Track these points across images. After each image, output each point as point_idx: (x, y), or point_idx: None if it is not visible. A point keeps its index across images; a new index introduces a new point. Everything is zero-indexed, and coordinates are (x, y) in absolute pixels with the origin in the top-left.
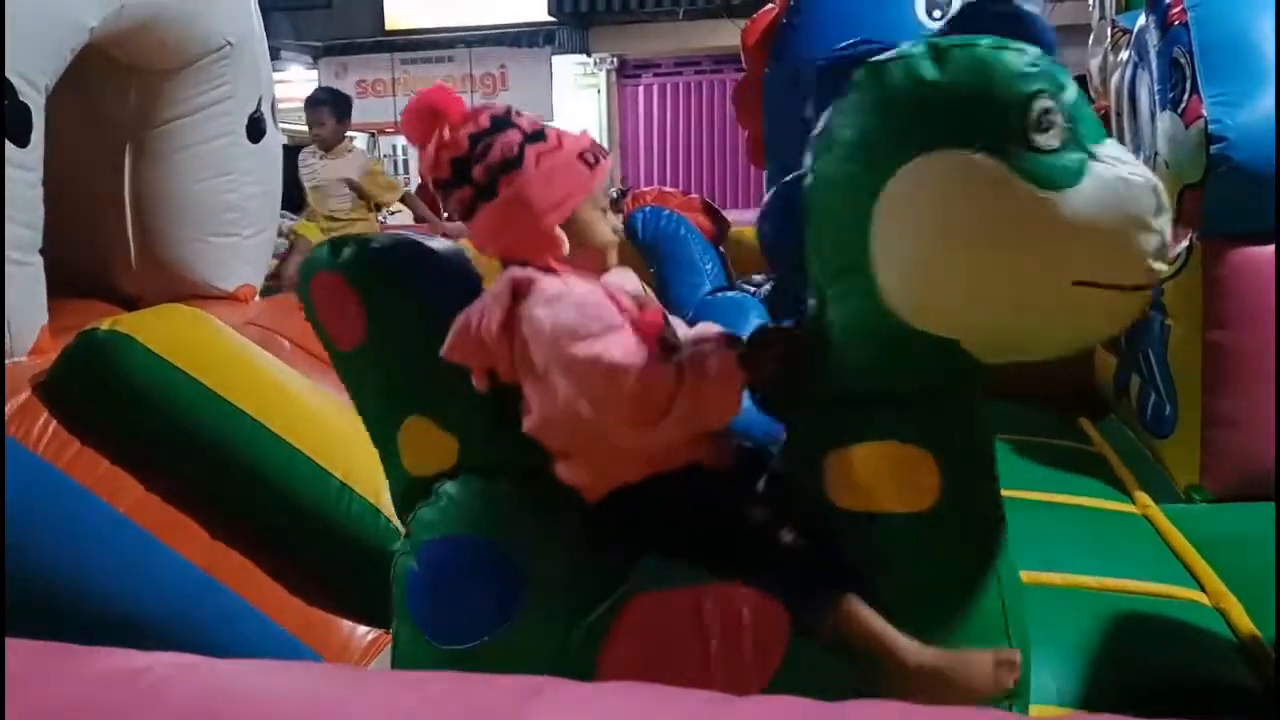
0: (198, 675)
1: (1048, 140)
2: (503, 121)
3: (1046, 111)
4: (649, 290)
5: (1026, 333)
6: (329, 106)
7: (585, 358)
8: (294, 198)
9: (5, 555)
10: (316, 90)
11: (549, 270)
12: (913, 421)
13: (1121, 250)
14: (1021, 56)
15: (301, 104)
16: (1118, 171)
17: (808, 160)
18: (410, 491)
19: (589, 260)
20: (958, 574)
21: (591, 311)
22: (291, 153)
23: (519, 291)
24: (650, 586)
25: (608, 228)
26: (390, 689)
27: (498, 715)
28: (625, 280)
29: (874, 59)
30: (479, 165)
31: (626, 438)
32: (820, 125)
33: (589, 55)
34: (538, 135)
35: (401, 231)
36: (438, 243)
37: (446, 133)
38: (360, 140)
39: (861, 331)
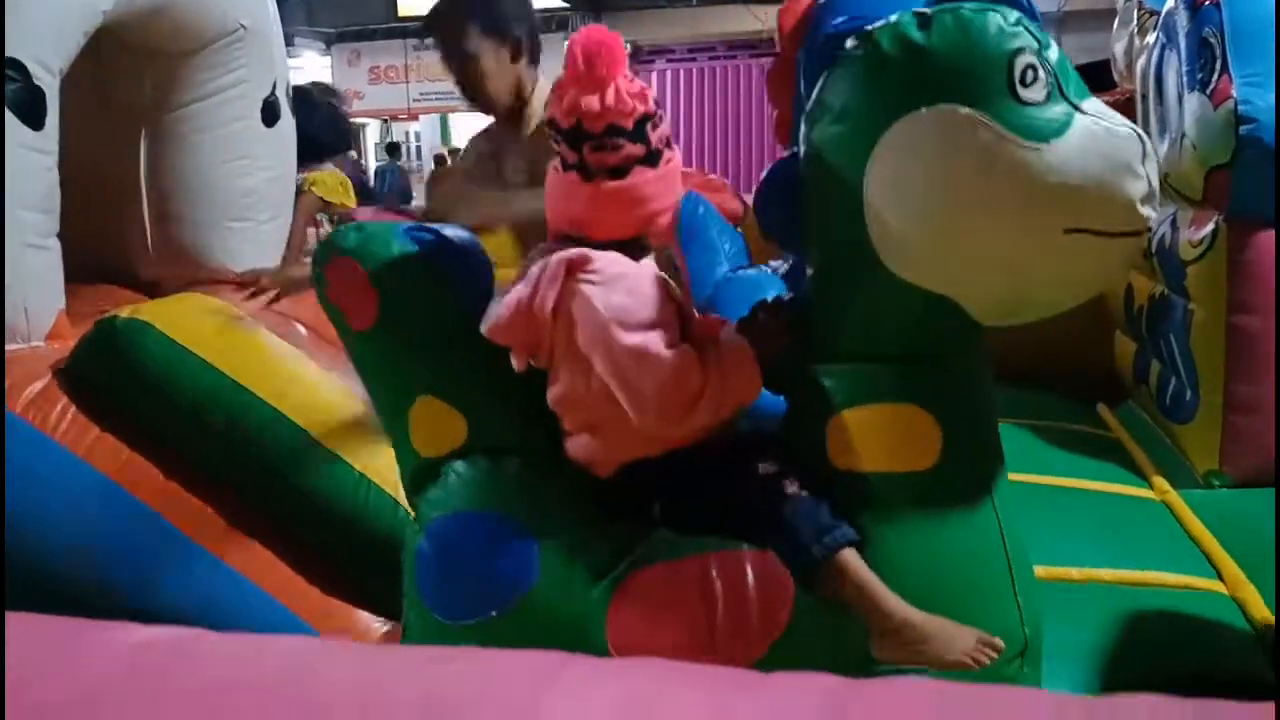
0: (209, 648)
1: (1032, 94)
2: (639, 131)
3: (1030, 67)
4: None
5: (1022, 284)
6: (476, 20)
7: (630, 347)
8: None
9: (5, 547)
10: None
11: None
12: (913, 383)
13: (1109, 196)
14: (1003, 17)
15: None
16: (1103, 123)
17: (803, 132)
18: (419, 473)
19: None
20: (962, 530)
21: (644, 300)
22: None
23: (573, 269)
24: (656, 558)
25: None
26: (414, 663)
27: (518, 693)
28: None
29: (865, 29)
30: (596, 155)
31: (654, 426)
32: (813, 98)
33: None
34: (653, 158)
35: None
36: (449, 229)
37: (594, 104)
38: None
39: (861, 295)
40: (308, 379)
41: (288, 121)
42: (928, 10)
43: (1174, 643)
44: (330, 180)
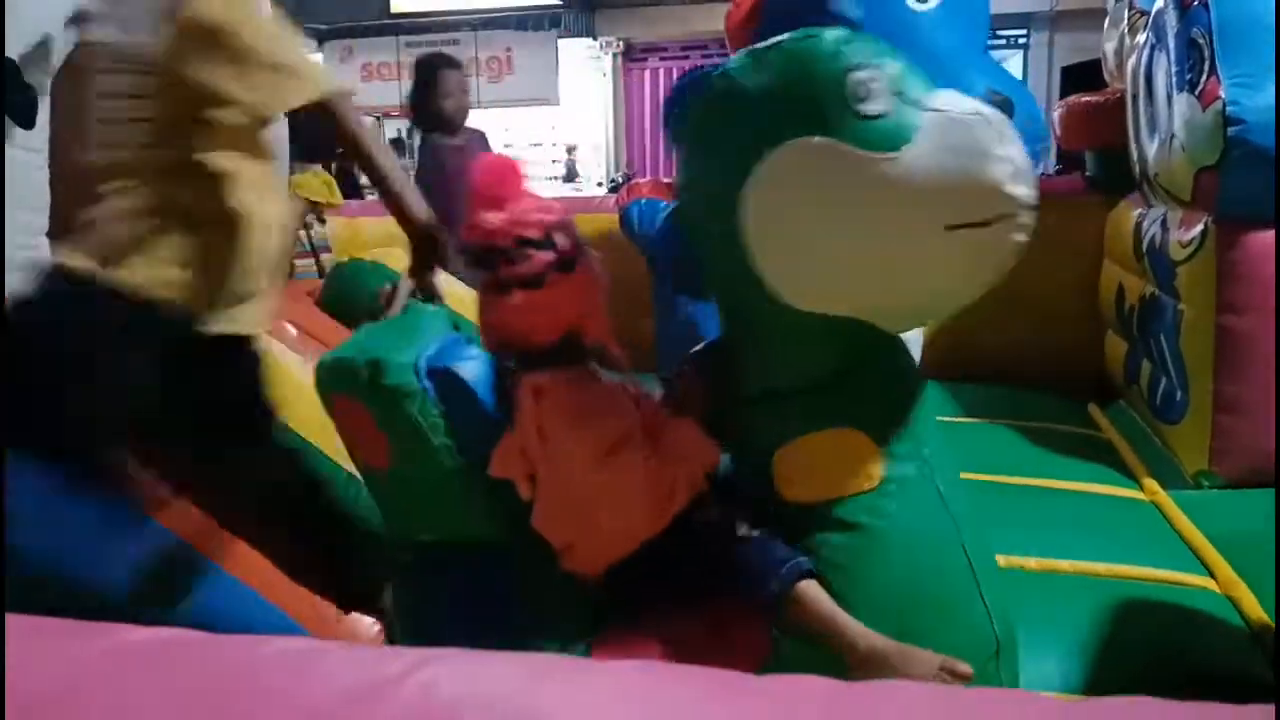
0: (200, 650)
1: (874, 107)
2: (548, 242)
3: (864, 81)
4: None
5: (918, 290)
6: None
7: (605, 480)
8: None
9: (5, 548)
10: None
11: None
12: (842, 406)
13: (973, 185)
14: (829, 39)
15: None
16: (951, 115)
17: (676, 183)
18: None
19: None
20: (919, 541)
21: (608, 420)
22: None
23: (538, 395)
24: (632, 618)
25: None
26: (409, 663)
27: (516, 690)
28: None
29: (705, 78)
30: (509, 269)
31: (642, 533)
32: (676, 150)
33: (595, 39)
34: (568, 264)
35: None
36: (466, 363)
37: (497, 219)
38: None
39: (770, 333)
40: (296, 378)
41: (280, 125)
42: (755, 50)
43: (1169, 639)
44: (313, 182)
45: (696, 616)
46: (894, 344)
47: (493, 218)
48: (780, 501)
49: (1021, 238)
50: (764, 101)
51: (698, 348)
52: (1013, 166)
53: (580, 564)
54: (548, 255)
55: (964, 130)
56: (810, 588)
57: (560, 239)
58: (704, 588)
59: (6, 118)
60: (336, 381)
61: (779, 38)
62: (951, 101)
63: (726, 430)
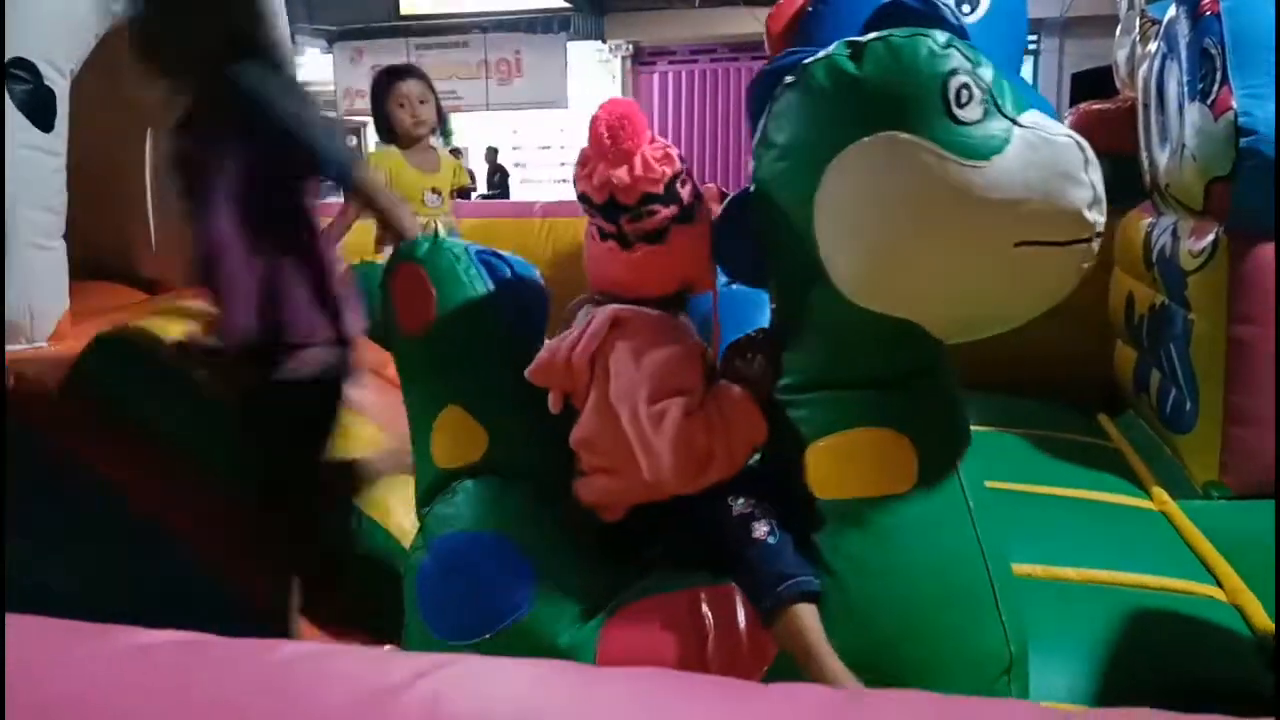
0: (212, 654)
1: (968, 114)
2: (671, 193)
3: (964, 87)
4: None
5: (979, 301)
6: None
7: (653, 412)
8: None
9: (5, 544)
10: None
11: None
12: (883, 406)
13: (1054, 206)
14: (933, 41)
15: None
16: (1041, 134)
17: (752, 166)
18: (434, 486)
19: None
20: (943, 551)
21: (678, 366)
22: None
23: (617, 324)
24: (648, 592)
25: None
26: (417, 668)
27: (519, 698)
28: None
29: (801, 63)
30: (634, 225)
31: (670, 486)
32: (757, 133)
33: (604, 42)
34: (687, 215)
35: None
36: (517, 260)
37: (625, 177)
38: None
39: (822, 324)
40: None
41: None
42: (858, 40)
43: (1175, 648)
44: (395, 159)
45: (714, 604)
46: (943, 354)
47: (622, 176)
48: (808, 496)
49: (1086, 265)
50: (859, 90)
51: (760, 331)
52: (1094, 193)
53: (602, 499)
54: (671, 210)
55: (1055, 151)
56: (803, 613)
57: (681, 189)
58: (716, 576)
59: (25, 118)
60: (401, 255)
61: (885, 31)
62: (1041, 121)
63: (766, 418)
